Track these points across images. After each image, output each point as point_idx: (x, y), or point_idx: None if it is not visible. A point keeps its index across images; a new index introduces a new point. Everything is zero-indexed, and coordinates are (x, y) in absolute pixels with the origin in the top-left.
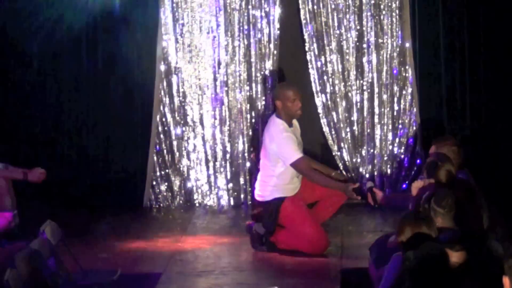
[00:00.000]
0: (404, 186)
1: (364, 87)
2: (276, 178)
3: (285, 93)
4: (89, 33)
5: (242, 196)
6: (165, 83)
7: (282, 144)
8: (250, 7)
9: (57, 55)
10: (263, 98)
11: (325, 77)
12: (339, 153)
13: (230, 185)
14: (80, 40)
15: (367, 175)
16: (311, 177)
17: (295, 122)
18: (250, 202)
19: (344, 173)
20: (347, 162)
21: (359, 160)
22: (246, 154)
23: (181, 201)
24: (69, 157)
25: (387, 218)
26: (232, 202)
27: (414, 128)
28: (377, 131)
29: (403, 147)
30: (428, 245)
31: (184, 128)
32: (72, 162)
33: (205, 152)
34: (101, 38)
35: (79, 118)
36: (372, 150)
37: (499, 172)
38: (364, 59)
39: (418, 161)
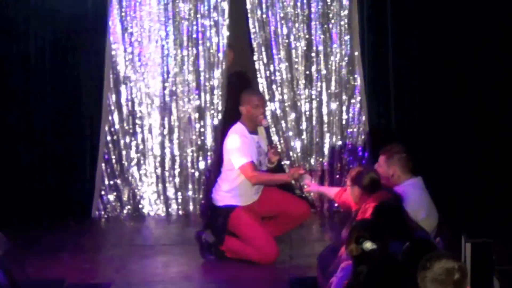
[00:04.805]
0: None
1: (313, 96)
2: (230, 184)
3: (249, 98)
4: (37, 43)
5: (191, 205)
6: (113, 92)
7: (233, 146)
8: (198, 16)
9: (4, 64)
10: (212, 107)
11: (274, 86)
12: (288, 162)
13: (179, 194)
14: (27, 50)
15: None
16: (258, 180)
17: (262, 131)
18: (198, 212)
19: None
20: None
21: (308, 169)
22: (195, 163)
23: (129, 211)
24: (16, 168)
25: (335, 227)
26: (180, 212)
27: (363, 137)
28: (326, 140)
29: (352, 156)
30: (380, 258)
31: (132, 138)
32: (20, 173)
33: (154, 162)
34: (48, 48)
35: (27, 127)
36: (321, 159)
37: (448, 179)
38: (313, 68)
39: None
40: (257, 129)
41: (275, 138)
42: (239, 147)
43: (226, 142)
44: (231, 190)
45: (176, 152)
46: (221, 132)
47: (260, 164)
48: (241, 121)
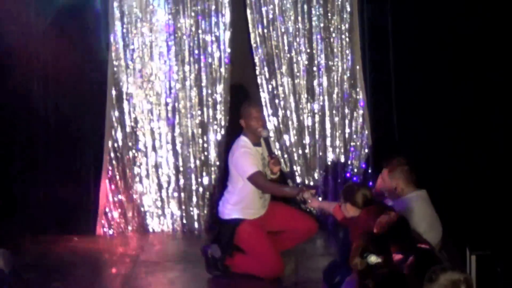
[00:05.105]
0: None
1: (316, 110)
2: (237, 197)
3: (247, 111)
4: (40, 59)
5: (195, 221)
6: (116, 109)
7: (239, 158)
8: (200, 31)
9: (7, 80)
10: (215, 122)
11: (276, 101)
12: (291, 176)
13: (184, 210)
14: (29, 65)
15: (320, 198)
16: (268, 189)
17: (262, 142)
18: (203, 228)
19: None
20: (299, 186)
21: (311, 183)
22: (199, 179)
23: (134, 228)
24: (21, 185)
25: (340, 241)
26: (185, 227)
27: (366, 150)
28: (329, 154)
29: (355, 170)
30: (386, 271)
31: (136, 154)
32: (24, 190)
33: (158, 178)
34: (50, 65)
35: (31, 144)
36: (324, 173)
37: (453, 192)
38: (315, 82)
39: (370, 183)
40: (260, 141)
41: (278, 152)
42: (245, 159)
43: (232, 156)
44: (237, 203)
45: (180, 168)
46: (224, 147)
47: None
48: (244, 134)
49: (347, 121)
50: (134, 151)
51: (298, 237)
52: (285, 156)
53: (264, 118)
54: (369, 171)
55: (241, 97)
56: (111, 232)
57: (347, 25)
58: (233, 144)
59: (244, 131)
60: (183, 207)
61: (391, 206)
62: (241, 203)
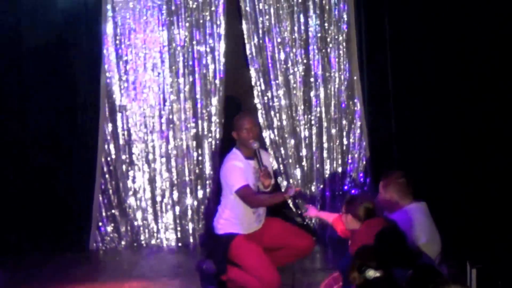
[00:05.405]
0: None
1: (312, 122)
2: (229, 211)
3: (239, 122)
4: (32, 74)
5: (190, 235)
6: (109, 122)
7: (227, 171)
8: (194, 42)
9: (2, 94)
10: (209, 135)
11: (272, 112)
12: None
13: (178, 224)
14: (22, 78)
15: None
16: (257, 202)
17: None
18: (198, 242)
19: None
20: (296, 198)
21: (309, 196)
22: (193, 193)
23: (128, 242)
24: (12, 199)
25: (338, 255)
26: (179, 242)
27: (364, 162)
28: (327, 167)
29: (353, 182)
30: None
31: (129, 167)
32: (16, 204)
33: (152, 191)
34: (43, 77)
35: (23, 158)
36: (321, 186)
37: (453, 204)
38: (312, 93)
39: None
40: (252, 154)
41: (274, 165)
42: (233, 172)
43: (222, 169)
44: (231, 218)
45: (174, 181)
46: (219, 161)
47: (258, 189)
48: (236, 147)
49: (344, 133)
50: (127, 164)
51: (295, 254)
52: (282, 168)
53: (259, 129)
54: (368, 183)
55: (236, 109)
56: (104, 247)
57: (344, 36)
58: (225, 157)
59: (237, 144)
60: (178, 221)
61: (392, 219)
62: (234, 217)
